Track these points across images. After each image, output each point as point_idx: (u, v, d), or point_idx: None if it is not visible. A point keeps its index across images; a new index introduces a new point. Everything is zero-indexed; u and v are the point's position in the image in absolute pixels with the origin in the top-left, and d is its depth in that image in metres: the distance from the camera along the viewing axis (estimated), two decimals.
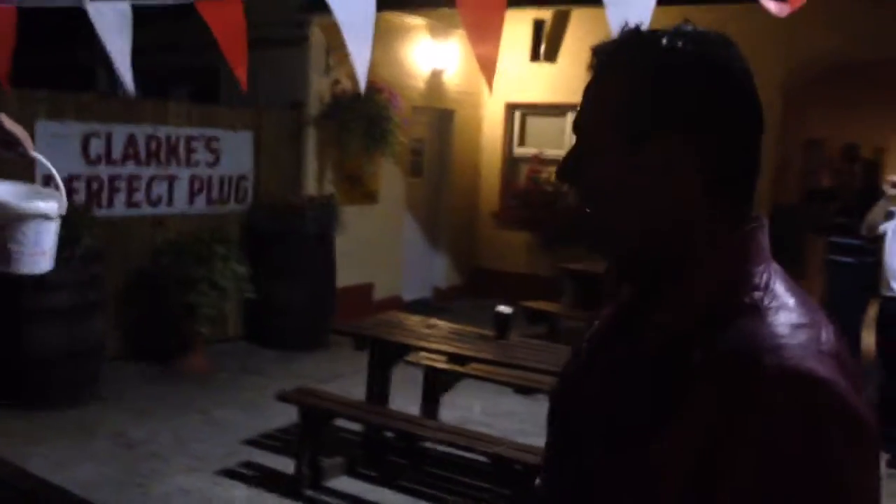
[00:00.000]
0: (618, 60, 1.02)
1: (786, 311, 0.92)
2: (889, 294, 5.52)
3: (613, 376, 1.02)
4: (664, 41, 0.99)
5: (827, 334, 0.92)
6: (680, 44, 0.99)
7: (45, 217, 2.09)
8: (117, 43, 3.33)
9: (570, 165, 1.05)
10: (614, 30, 2.97)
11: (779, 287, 0.96)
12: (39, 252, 2.08)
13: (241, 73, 3.55)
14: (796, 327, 0.90)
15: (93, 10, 3.24)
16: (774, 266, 1.00)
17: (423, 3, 5.40)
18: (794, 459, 0.83)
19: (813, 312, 0.95)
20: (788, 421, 0.83)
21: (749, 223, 1.01)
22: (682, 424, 0.88)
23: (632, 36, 1.03)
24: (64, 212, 2.13)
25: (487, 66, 2.98)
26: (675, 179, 0.98)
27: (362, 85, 3.15)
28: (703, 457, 0.86)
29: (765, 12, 2.63)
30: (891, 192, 5.66)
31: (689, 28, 1.01)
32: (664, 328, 0.97)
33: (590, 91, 1.05)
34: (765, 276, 0.97)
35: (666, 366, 0.94)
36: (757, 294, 0.94)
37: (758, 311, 0.92)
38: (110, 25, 3.28)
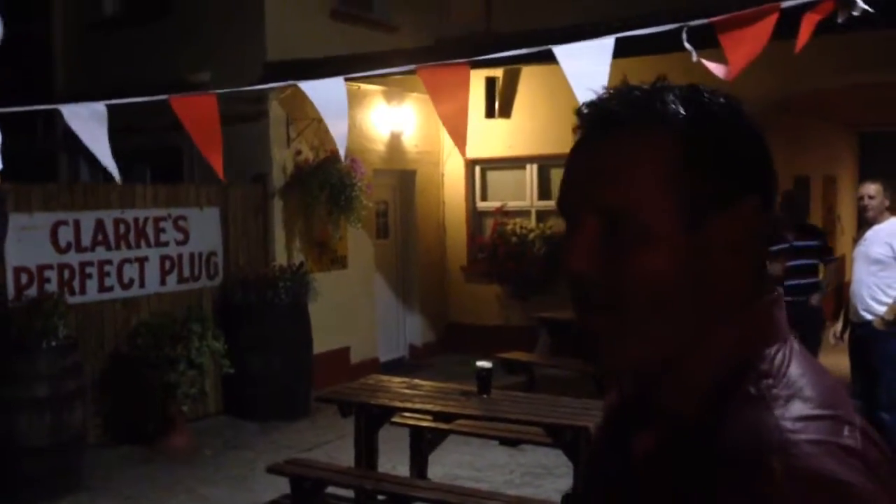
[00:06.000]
0: (652, 119, 0.84)
1: (798, 400, 0.79)
2: (857, 320, 5.70)
3: (613, 487, 0.91)
4: (705, 96, 0.86)
5: (851, 427, 0.78)
6: (721, 99, 0.86)
7: None
8: (95, 139, 3.44)
9: (597, 262, 0.84)
10: (573, 84, 3.16)
11: (794, 371, 0.82)
12: None
13: (217, 162, 3.67)
14: (809, 419, 0.77)
15: (67, 112, 3.35)
16: (792, 345, 0.85)
17: (388, 75, 5.61)
18: None
19: (834, 401, 0.81)
20: None
21: (764, 296, 0.87)
22: None
23: (658, 92, 0.86)
24: None
25: (457, 132, 3.14)
26: (743, 254, 0.84)
27: (342, 153, 3.30)
28: None
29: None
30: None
31: (701, 85, 0.89)
32: (663, 422, 0.86)
33: (608, 159, 0.85)
34: (777, 360, 0.83)
35: (662, 469, 0.83)
36: (765, 382, 0.81)
37: (765, 402, 0.79)
38: (86, 123, 3.39)
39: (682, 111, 0.84)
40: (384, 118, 9.37)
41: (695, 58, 2.77)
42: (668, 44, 2.87)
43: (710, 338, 0.84)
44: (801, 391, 0.80)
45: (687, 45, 2.74)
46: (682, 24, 2.73)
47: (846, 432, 0.76)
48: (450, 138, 10.04)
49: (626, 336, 0.84)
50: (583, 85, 2.68)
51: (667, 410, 0.86)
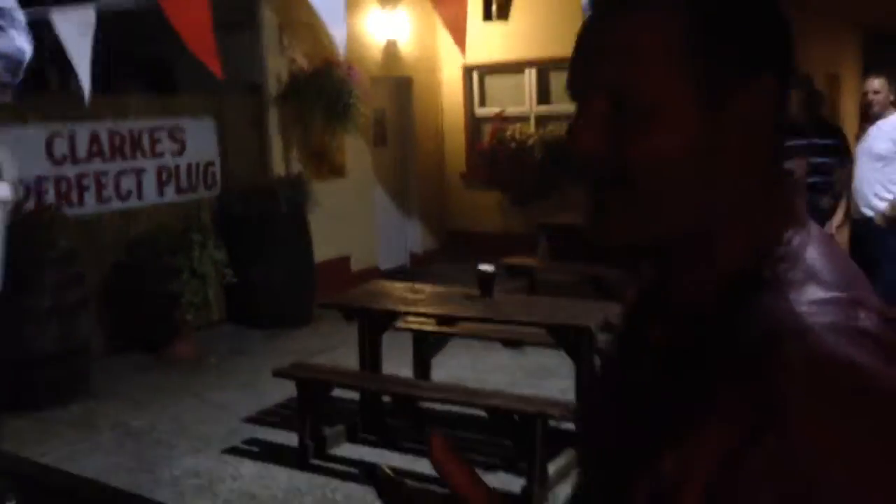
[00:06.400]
0: None
1: (814, 283, 0.76)
2: (857, 217, 5.70)
3: (627, 378, 0.88)
4: None
5: (868, 310, 0.74)
6: None
7: None
8: (80, 48, 3.37)
9: (605, 141, 0.80)
10: None
11: (811, 255, 0.79)
12: None
13: (214, 64, 3.60)
14: (824, 303, 0.74)
15: (58, 17, 3.26)
16: (810, 230, 0.82)
17: None
18: (829, 472, 0.66)
19: (851, 284, 0.78)
20: (823, 422, 0.67)
21: (780, 181, 0.84)
22: (701, 431, 0.72)
23: None
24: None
25: (457, 32, 3.07)
26: (760, 136, 0.80)
27: (342, 54, 3.23)
28: (727, 468, 0.69)
29: None
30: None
31: None
32: (680, 312, 0.83)
33: (615, 35, 0.80)
34: (794, 243, 0.80)
35: (678, 359, 0.80)
36: (782, 266, 0.78)
37: (780, 286, 0.76)
38: (73, 31, 3.31)
39: None
40: (380, 25, 9.18)
41: None
42: None
43: (727, 222, 0.81)
44: (817, 274, 0.76)
45: None
46: None
47: (863, 315, 0.73)
48: (446, 44, 9.89)
49: (634, 211, 0.81)
50: None
51: (683, 299, 0.83)
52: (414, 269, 9.56)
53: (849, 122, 12.30)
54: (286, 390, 5.07)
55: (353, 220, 8.85)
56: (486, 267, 4.92)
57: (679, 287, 0.84)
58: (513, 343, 5.78)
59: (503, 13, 9.60)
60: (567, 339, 4.51)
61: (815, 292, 0.74)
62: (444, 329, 5.28)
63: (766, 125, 0.79)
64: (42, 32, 3.98)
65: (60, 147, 6.45)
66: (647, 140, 0.78)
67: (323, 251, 7.99)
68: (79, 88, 4.30)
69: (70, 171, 6.51)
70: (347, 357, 5.42)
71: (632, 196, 0.80)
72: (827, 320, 0.71)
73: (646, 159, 0.78)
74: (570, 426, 4.43)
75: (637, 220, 0.81)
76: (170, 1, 3.39)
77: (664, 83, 0.77)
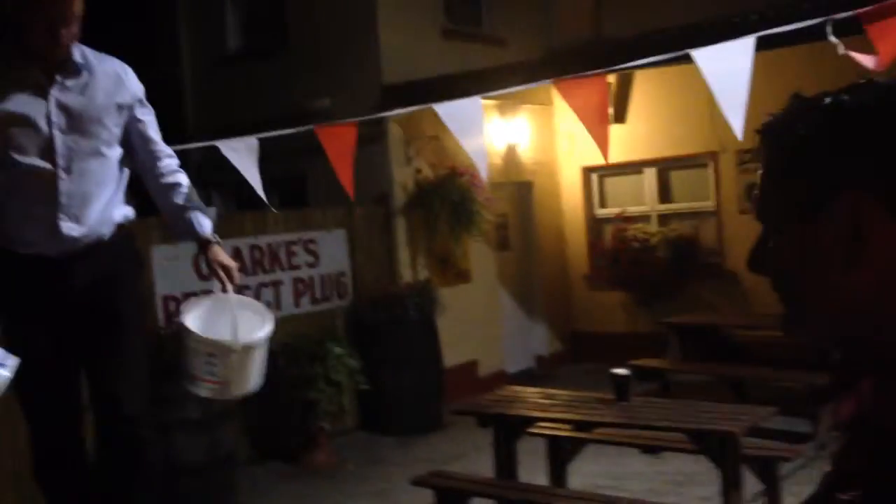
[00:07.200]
0: (779, 130, 0.94)
1: None
2: None
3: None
4: (827, 99, 0.90)
5: None
6: (845, 97, 0.88)
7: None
8: (249, 170, 3.68)
9: (756, 255, 0.96)
10: (713, 87, 3.13)
11: None
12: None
13: (349, 184, 3.84)
14: None
15: (225, 147, 3.59)
16: None
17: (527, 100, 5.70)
18: None
19: None
20: None
21: None
22: None
23: (793, 103, 0.94)
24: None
25: (600, 136, 3.21)
26: (860, 248, 0.84)
27: (483, 175, 3.40)
28: None
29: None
30: None
31: (860, 83, 0.90)
32: (887, 438, 0.83)
33: (761, 172, 0.96)
34: None
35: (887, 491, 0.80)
36: None
37: None
38: (241, 156, 3.62)
39: (781, 121, 0.93)
40: (499, 131, 9.46)
41: (841, 51, 2.71)
42: (810, 35, 2.81)
43: None
44: None
45: (832, 39, 2.68)
46: (825, 17, 2.67)
47: None
48: (564, 147, 10.08)
49: (792, 309, 0.93)
50: (724, 86, 2.68)
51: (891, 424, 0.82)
52: (541, 372, 9.52)
53: None
54: (423, 498, 5.08)
55: (480, 324, 8.94)
56: (621, 370, 4.87)
57: (888, 410, 0.83)
58: (651, 449, 5.64)
59: (620, 117, 9.73)
60: (710, 444, 4.39)
61: None
62: (580, 434, 5.23)
63: (871, 238, 0.83)
64: (188, 158, 4.34)
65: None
66: (770, 251, 0.93)
67: (450, 356, 8.08)
68: (223, 208, 4.62)
69: (215, 285, 6.86)
70: (481, 463, 5.41)
71: (782, 297, 0.94)
72: None
73: (770, 266, 0.94)
74: None
75: (798, 318, 0.93)
76: (324, 130, 3.67)
77: (776, 206, 0.93)
